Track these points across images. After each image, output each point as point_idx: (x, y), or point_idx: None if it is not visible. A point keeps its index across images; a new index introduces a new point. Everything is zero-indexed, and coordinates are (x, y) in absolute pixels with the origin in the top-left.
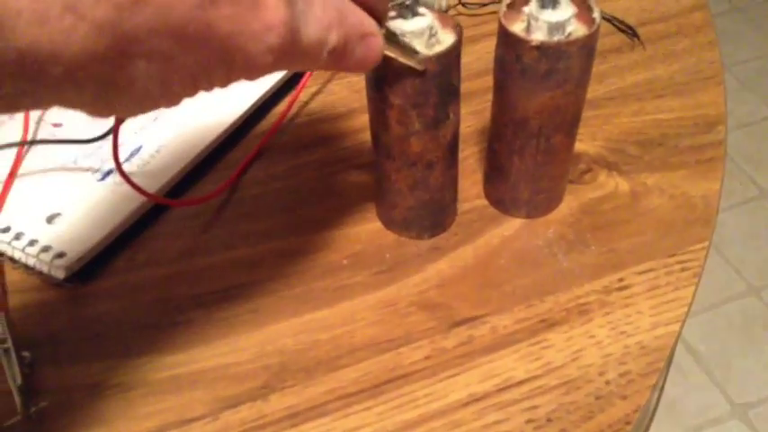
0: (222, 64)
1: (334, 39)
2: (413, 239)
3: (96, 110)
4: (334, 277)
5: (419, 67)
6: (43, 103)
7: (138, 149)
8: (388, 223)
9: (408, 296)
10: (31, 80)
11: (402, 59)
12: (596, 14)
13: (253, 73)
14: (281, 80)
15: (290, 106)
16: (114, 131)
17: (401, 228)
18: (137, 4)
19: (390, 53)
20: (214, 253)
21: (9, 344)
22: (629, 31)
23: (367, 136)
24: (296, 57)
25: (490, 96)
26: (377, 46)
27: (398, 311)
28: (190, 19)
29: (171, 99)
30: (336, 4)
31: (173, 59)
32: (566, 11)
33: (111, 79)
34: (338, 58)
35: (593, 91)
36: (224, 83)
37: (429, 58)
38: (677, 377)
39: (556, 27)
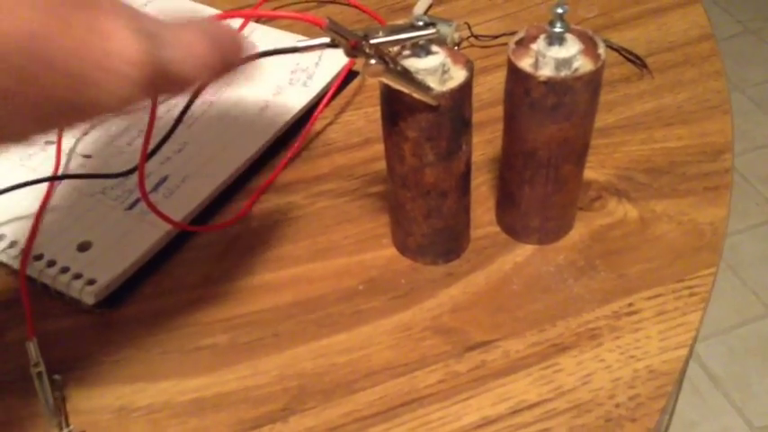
0: (71, 97)
1: (209, 57)
2: (427, 265)
3: None
4: (351, 302)
5: (433, 103)
6: None
7: (165, 179)
8: (404, 250)
9: (423, 321)
10: None
11: (417, 95)
12: (601, 50)
13: (115, 103)
14: (301, 111)
15: (303, 137)
16: (141, 166)
17: (416, 254)
18: None
19: (405, 89)
20: (234, 279)
21: (42, 368)
22: (638, 60)
23: (382, 164)
24: (165, 80)
25: (502, 126)
26: (244, 44)
27: (413, 336)
28: (19, 52)
29: (17, 135)
30: (203, 26)
31: (10, 94)
32: (572, 48)
33: None
34: (220, 72)
35: (603, 120)
36: (85, 116)
37: (442, 94)
38: (695, 400)
39: (563, 63)
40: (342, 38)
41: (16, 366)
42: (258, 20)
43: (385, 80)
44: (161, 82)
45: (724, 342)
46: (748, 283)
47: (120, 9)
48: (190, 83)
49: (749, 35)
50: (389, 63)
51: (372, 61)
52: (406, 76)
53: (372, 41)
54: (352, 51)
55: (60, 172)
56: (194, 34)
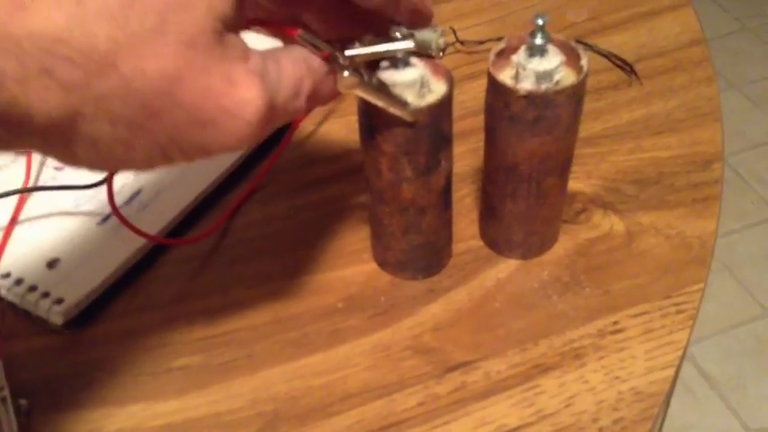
0: (193, 136)
1: (307, 86)
2: (408, 281)
3: (64, 160)
4: (329, 320)
5: (410, 119)
6: (17, 149)
7: (138, 193)
8: (383, 264)
9: (403, 340)
10: (9, 131)
11: (393, 110)
12: (584, 62)
13: (235, 145)
14: None
15: (282, 148)
16: (109, 177)
17: (396, 269)
18: (104, 73)
19: (381, 104)
20: (210, 296)
21: (6, 392)
22: (627, 67)
23: (361, 176)
24: (277, 118)
25: (482, 135)
26: (337, 80)
27: (392, 356)
28: (154, 90)
29: (138, 163)
30: (302, 54)
31: (136, 125)
32: (553, 59)
33: (76, 136)
34: (312, 101)
35: (589, 128)
36: (203, 154)
37: (420, 110)
38: (690, 402)
39: (544, 76)
40: (315, 48)
41: None
42: None
43: (360, 93)
44: (273, 121)
45: (719, 343)
46: (744, 283)
47: (246, 54)
48: (293, 118)
49: (746, 32)
50: (365, 76)
51: (346, 73)
52: (382, 89)
53: (348, 53)
54: (327, 63)
55: (30, 184)
56: (298, 71)
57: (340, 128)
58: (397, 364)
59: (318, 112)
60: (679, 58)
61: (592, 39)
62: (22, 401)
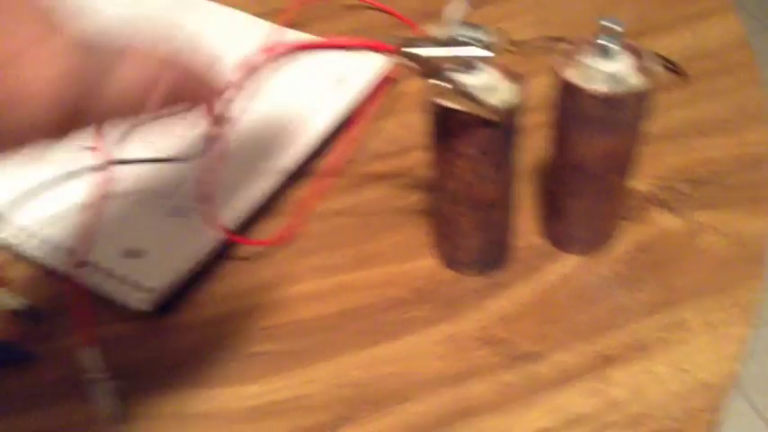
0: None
1: (162, 86)
2: (472, 276)
3: None
4: (398, 311)
5: (495, 118)
6: None
7: None
8: (452, 263)
9: (471, 331)
10: None
11: (478, 113)
12: (651, 65)
13: (26, 137)
14: (340, 118)
15: (349, 145)
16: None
17: (464, 266)
18: None
19: (466, 108)
20: (283, 287)
21: (100, 374)
22: (675, 68)
23: (419, 172)
24: (109, 113)
25: (540, 133)
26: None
27: (462, 346)
28: None
29: None
30: (161, 56)
31: None
32: (623, 62)
33: None
34: (178, 98)
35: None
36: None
37: (504, 109)
38: None
39: (614, 77)
40: (415, 63)
41: (70, 372)
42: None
43: (448, 101)
44: (78, 119)
45: None
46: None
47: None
48: (133, 108)
49: (765, 32)
50: (454, 83)
51: (436, 81)
52: (465, 93)
53: (410, 50)
54: (426, 74)
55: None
56: (137, 66)
57: (393, 126)
58: (467, 354)
59: (369, 111)
60: (724, 61)
61: (637, 41)
62: (114, 383)
